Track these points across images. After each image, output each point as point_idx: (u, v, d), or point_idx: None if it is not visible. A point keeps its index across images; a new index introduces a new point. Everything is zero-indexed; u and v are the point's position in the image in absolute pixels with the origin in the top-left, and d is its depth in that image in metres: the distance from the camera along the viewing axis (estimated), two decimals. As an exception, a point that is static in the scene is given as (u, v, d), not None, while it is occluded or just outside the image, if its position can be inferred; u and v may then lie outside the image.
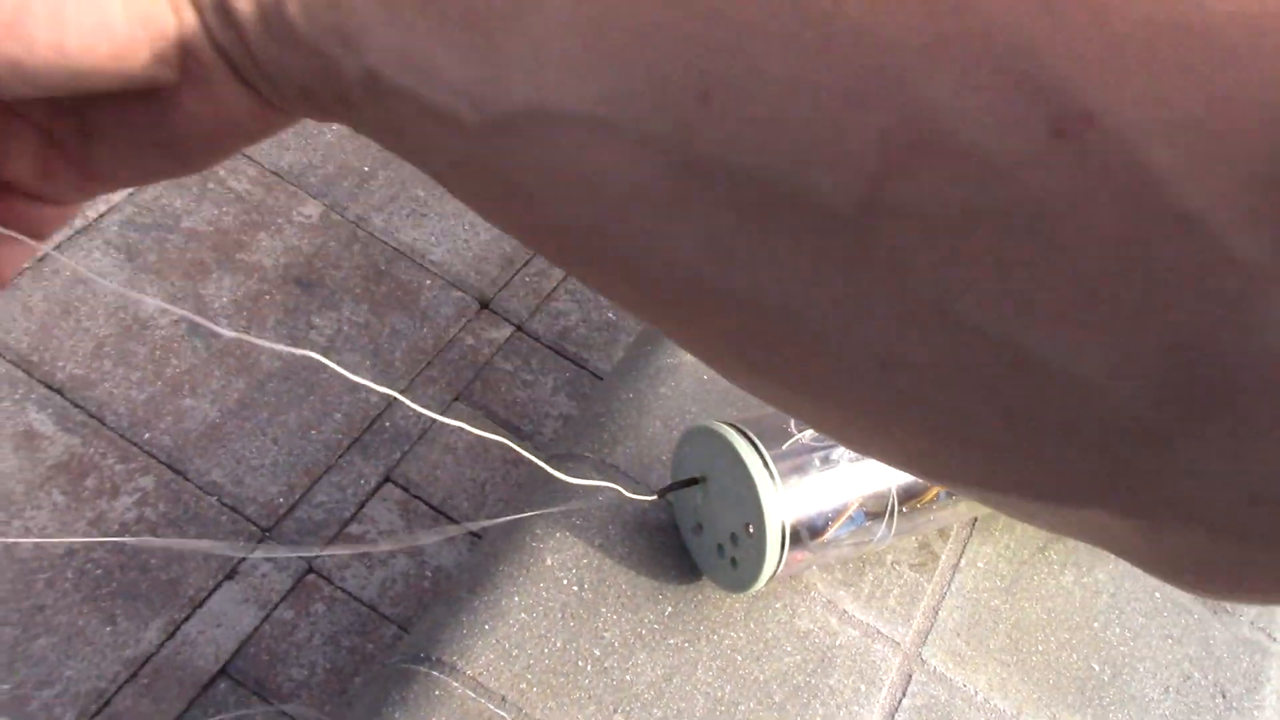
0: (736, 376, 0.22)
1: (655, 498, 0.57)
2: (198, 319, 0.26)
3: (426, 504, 1.28)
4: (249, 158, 1.51)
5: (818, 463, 0.54)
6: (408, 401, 0.32)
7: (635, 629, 0.56)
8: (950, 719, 0.58)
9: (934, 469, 0.21)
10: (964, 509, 0.60)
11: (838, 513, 0.54)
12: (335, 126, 1.58)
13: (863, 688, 0.57)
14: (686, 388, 0.66)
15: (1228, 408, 0.16)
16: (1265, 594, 0.19)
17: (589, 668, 0.54)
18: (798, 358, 0.20)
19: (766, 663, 0.57)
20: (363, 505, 1.26)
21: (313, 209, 1.50)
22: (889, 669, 0.58)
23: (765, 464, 0.52)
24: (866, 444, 0.22)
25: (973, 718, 0.58)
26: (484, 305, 1.48)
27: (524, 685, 0.53)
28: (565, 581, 0.57)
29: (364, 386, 1.33)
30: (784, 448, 0.54)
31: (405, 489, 1.29)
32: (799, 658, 0.57)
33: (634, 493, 0.57)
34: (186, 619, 1.14)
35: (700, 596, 0.58)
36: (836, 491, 0.54)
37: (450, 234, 1.53)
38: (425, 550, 1.25)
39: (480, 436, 1.34)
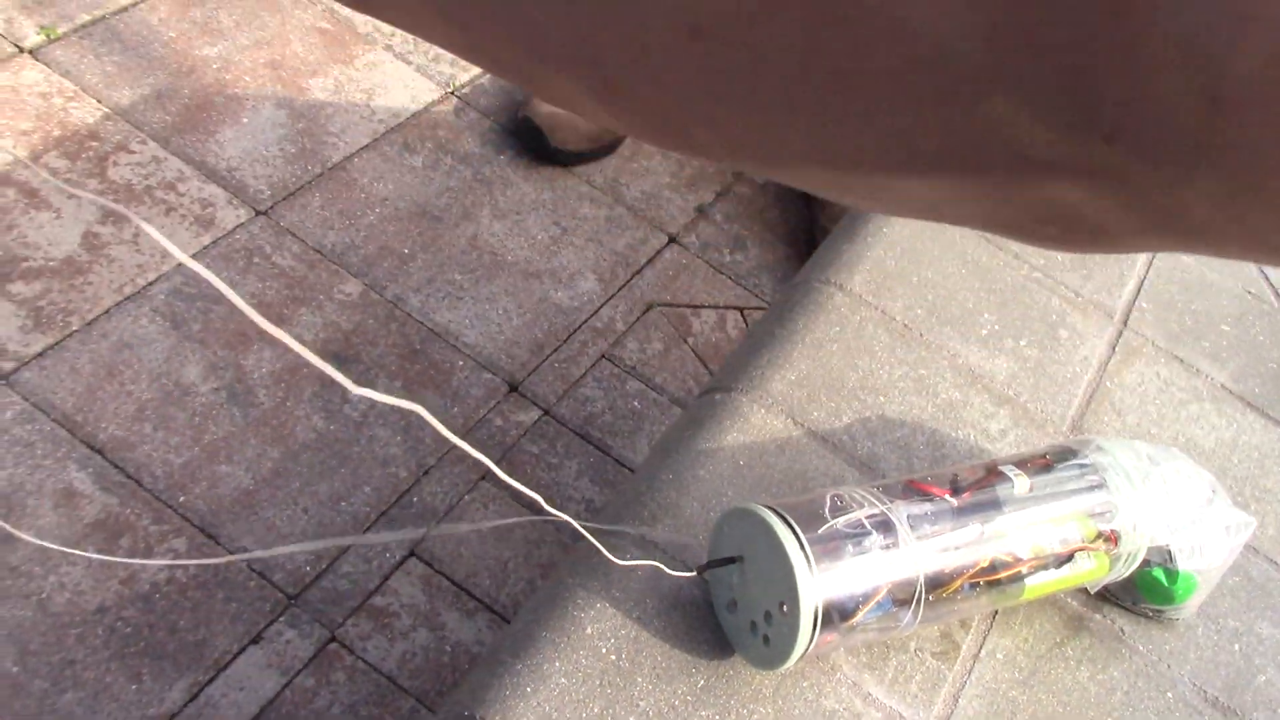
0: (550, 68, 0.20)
1: (694, 574, 0.60)
2: (332, 372, 0.29)
3: (449, 580, 1.31)
4: (294, 235, 1.56)
5: (850, 548, 0.57)
6: (501, 473, 0.35)
7: (669, 700, 0.59)
8: (967, 802, 0.60)
9: (761, 152, 0.19)
10: (985, 601, 0.62)
11: (867, 597, 0.57)
12: (378, 209, 1.64)
13: None
14: (724, 471, 0.69)
15: (1064, 43, 0.15)
16: (1125, 238, 0.18)
17: (624, 733, 0.57)
18: (600, 25, 0.18)
19: (793, 738, 0.59)
20: (386, 578, 1.29)
21: (353, 287, 1.54)
22: None
23: (802, 546, 0.55)
24: (687, 135, 0.20)
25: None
26: (513, 388, 1.52)
27: (562, 746, 0.56)
28: (604, 650, 0.59)
29: (395, 460, 1.37)
30: (819, 532, 0.57)
31: (429, 564, 1.31)
32: (824, 735, 0.60)
33: (672, 569, 0.60)
34: (210, 681, 1.16)
35: (731, 672, 0.61)
36: (867, 577, 0.57)
37: (484, 318, 1.58)
38: (446, 625, 1.27)
39: (504, 515, 1.37)
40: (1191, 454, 0.83)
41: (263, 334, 1.45)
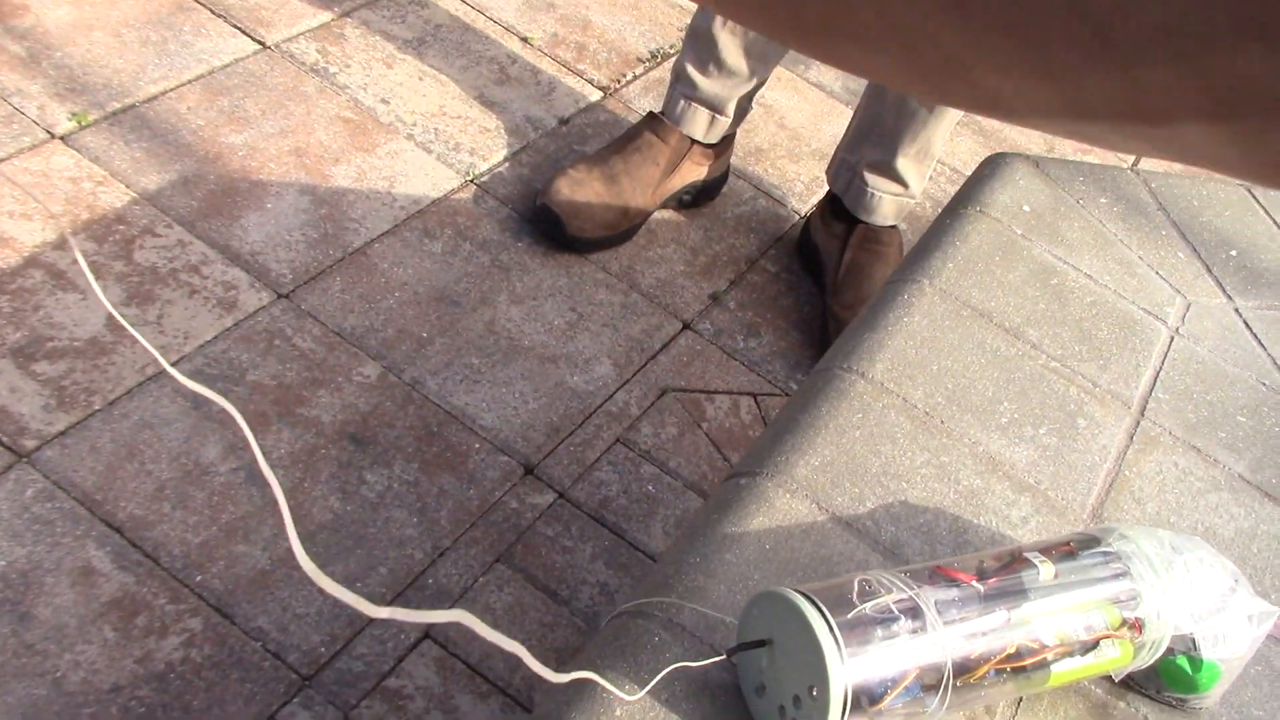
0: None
1: (723, 658, 0.60)
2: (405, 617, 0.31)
3: (464, 663, 1.30)
4: (315, 318, 1.58)
5: (879, 633, 0.57)
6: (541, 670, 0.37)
7: (698, 781, 0.59)
8: None
9: (1020, 105, 0.20)
10: (1012, 688, 0.63)
11: (895, 683, 0.57)
12: (397, 293, 1.67)
13: None
14: (749, 555, 0.70)
15: None
16: None
17: (654, 815, 0.57)
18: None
19: (821, 823, 0.59)
20: (401, 660, 1.29)
21: (371, 370, 1.56)
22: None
23: (831, 630, 0.56)
24: (952, 89, 0.21)
25: None
26: (529, 471, 1.53)
27: (593, 828, 0.56)
28: (633, 731, 0.60)
29: (411, 542, 1.37)
30: (848, 616, 0.57)
31: (444, 646, 1.31)
32: (852, 820, 0.60)
33: (700, 653, 0.61)
34: (223, 763, 1.16)
35: (759, 754, 0.61)
36: (895, 662, 0.58)
37: (501, 401, 1.59)
38: (459, 709, 1.27)
39: (518, 599, 1.37)
40: (1211, 543, 0.83)
41: (283, 414, 1.47)
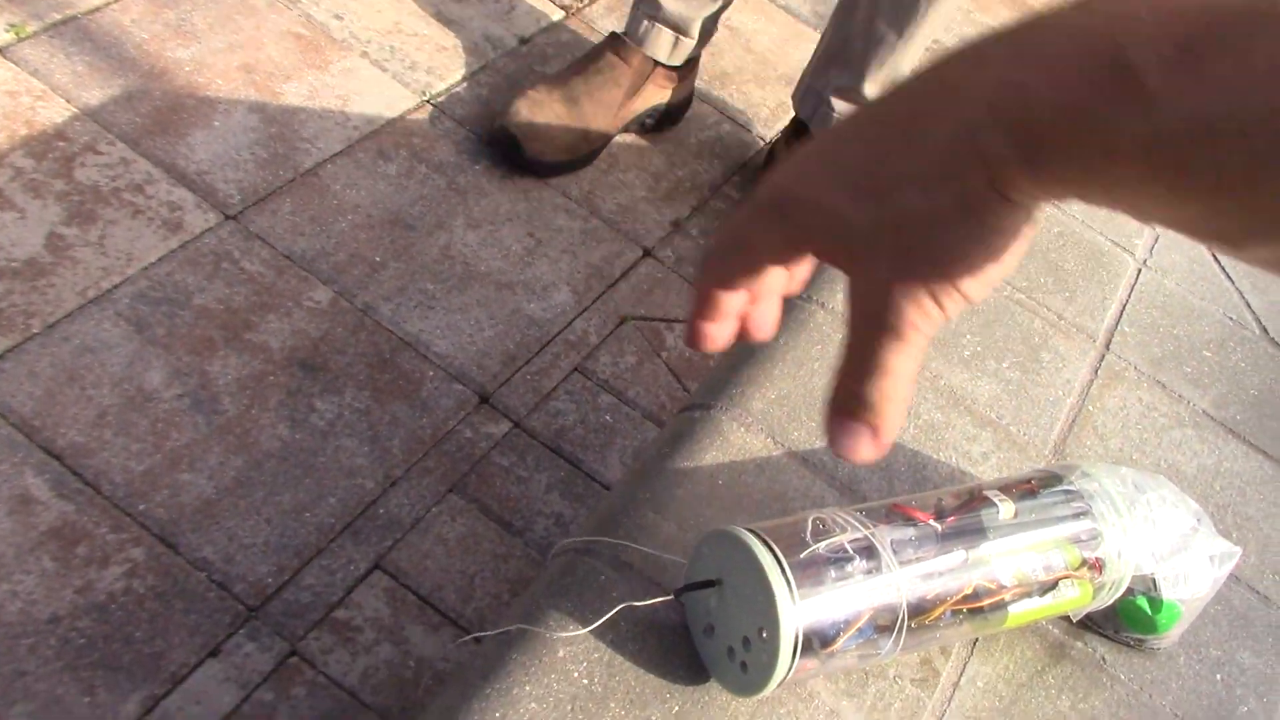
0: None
1: (670, 598, 0.58)
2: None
3: (414, 593, 1.28)
4: (264, 240, 1.53)
5: (832, 574, 0.55)
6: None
7: (642, 725, 0.57)
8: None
9: None
10: (968, 629, 0.61)
11: (848, 624, 0.55)
12: (350, 216, 1.62)
13: (862, 799, 0.58)
14: (701, 491, 0.67)
15: None
16: None
17: (596, 761, 0.55)
18: None
19: (769, 767, 0.57)
20: (350, 591, 1.26)
21: (322, 295, 1.52)
22: (888, 782, 0.59)
23: (783, 571, 0.53)
24: None
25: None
26: (484, 400, 1.50)
27: (532, 774, 0.54)
28: (575, 674, 0.57)
29: (362, 471, 1.34)
30: (801, 556, 0.55)
31: (394, 577, 1.29)
32: (801, 764, 0.58)
33: (648, 591, 0.58)
34: (166, 694, 1.13)
35: (706, 698, 0.59)
36: (848, 603, 0.55)
37: (456, 328, 1.55)
38: (410, 640, 1.25)
39: (471, 529, 1.35)
40: (1174, 480, 0.82)
41: (230, 340, 1.42)
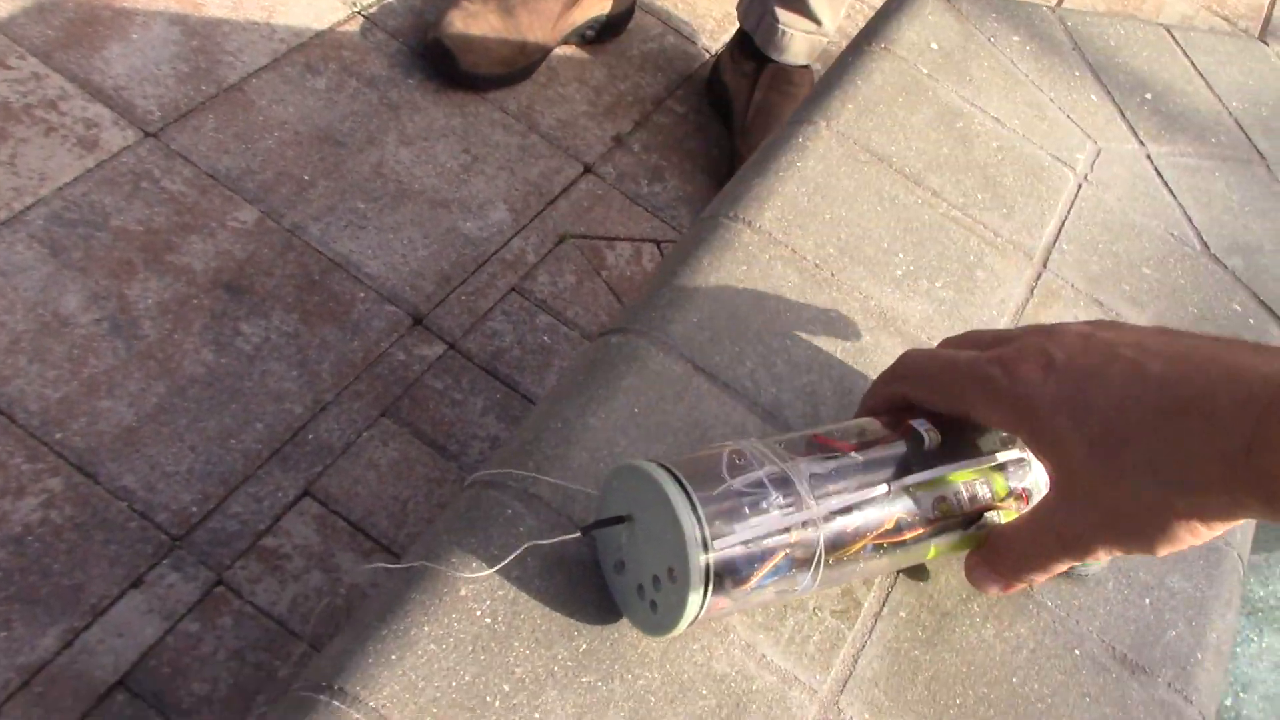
0: None
1: (578, 535, 0.55)
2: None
3: (345, 520, 1.25)
4: (186, 159, 1.48)
5: (747, 510, 0.53)
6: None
7: (548, 665, 0.54)
8: (864, 772, 0.57)
9: None
10: (888, 562, 0.59)
11: (764, 560, 0.53)
12: (277, 133, 1.56)
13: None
14: (617, 420, 0.64)
15: None
16: None
17: (497, 703, 0.53)
18: None
19: (680, 705, 0.55)
20: (279, 519, 1.23)
21: (248, 214, 1.47)
22: (805, 717, 0.57)
23: (694, 509, 0.51)
24: None
25: (887, 771, 0.57)
26: (417, 321, 1.46)
27: (428, 719, 0.51)
28: (478, 613, 0.55)
29: (290, 396, 1.31)
30: (714, 492, 0.52)
31: (324, 504, 1.26)
32: (714, 702, 0.56)
33: (556, 526, 0.56)
34: (86, 627, 1.10)
35: (616, 635, 0.56)
36: (763, 539, 0.53)
37: (387, 247, 1.51)
38: (340, 567, 1.22)
39: (404, 454, 1.32)
40: (1107, 402, 0.80)
41: (150, 262, 1.37)
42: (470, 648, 0.54)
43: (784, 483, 0.54)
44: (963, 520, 0.58)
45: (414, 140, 1.65)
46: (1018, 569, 0.56)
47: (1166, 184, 1.01)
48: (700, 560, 0.50)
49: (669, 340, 0.70)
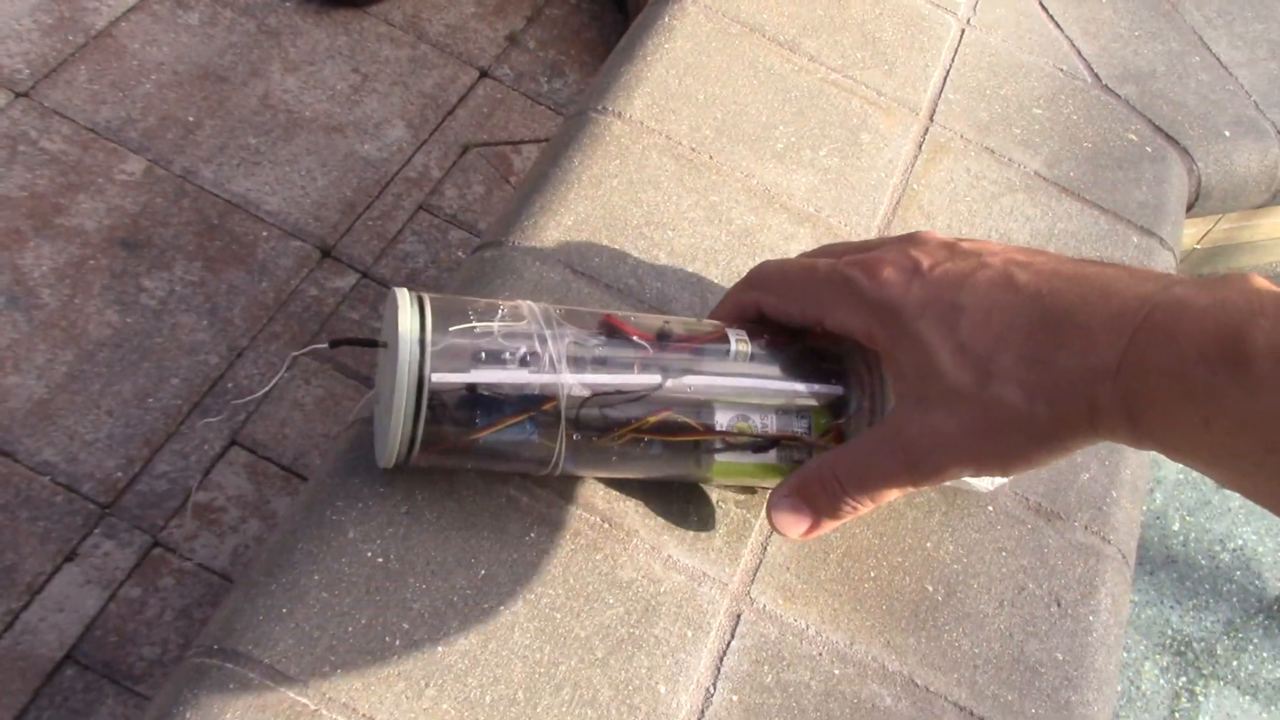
0: None
1: (327, 347, 0.53)
2: None
3: (276, 464, 1.24)
4: (62, 115, 1.42)
5: (485, 355, 0.50)
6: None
7: (446, 596, 0.53)
8: (781, 656, 0.56)
9: None
10: (664, 465, 0.55)
11: (493, 411, 0.50)
12: (154, 76, 1.50)
13: (689, 633, 0.56)
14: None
15: None
16: None
17: (397, 643, 0.52)
18: None
19: (587, 618, 0.55)
20: (208, 472, 1.21)
21: (135, 165, 1.42)
22: (716, 612, 0.57)
23: (422, 334, 0.48)
24: None
25: (805, 652, 0.57)
26: (326, 253, 1.43)
27: (326, 668, 0.50)
28: (369, 554, 0.54)
29: (204, 346, 1.28)
30: (453, 329, 0.49)
31: (253, 451, 1.24)
32: (621, 610, 0.55)
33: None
34: (25, 607, 1.09)
35: (515, 556, 0.55)
36: (499, 390, 0.50)
37: (286, 181, 1.47)
38: (278, 512, 1.21)
39: (329, 390, 1.30)
40: (1004, 251, 0.79)
41: (40, 228, 1.33)
42: (364, 590, 0.53)
43: (538, 342, 0.51)
44: (752, 444, 0.55)
45: (299, 66, 1.59)
46: (843, 493, 0.49)
47: (1052, 17, 0.99)
48: (413, 386, 0.48)
49: (544, 247, 0.67)
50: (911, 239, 0.51)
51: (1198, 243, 1.13)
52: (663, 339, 0.54)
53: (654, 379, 0.52)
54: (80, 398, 1.22)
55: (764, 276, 0.55)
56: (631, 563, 0.57)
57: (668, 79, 0.79)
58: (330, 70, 1.60)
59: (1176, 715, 1.23)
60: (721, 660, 0.55)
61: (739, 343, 0.54)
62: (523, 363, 0.50)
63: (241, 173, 1.45)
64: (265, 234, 1.41)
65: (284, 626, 0.51)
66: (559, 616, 0.54)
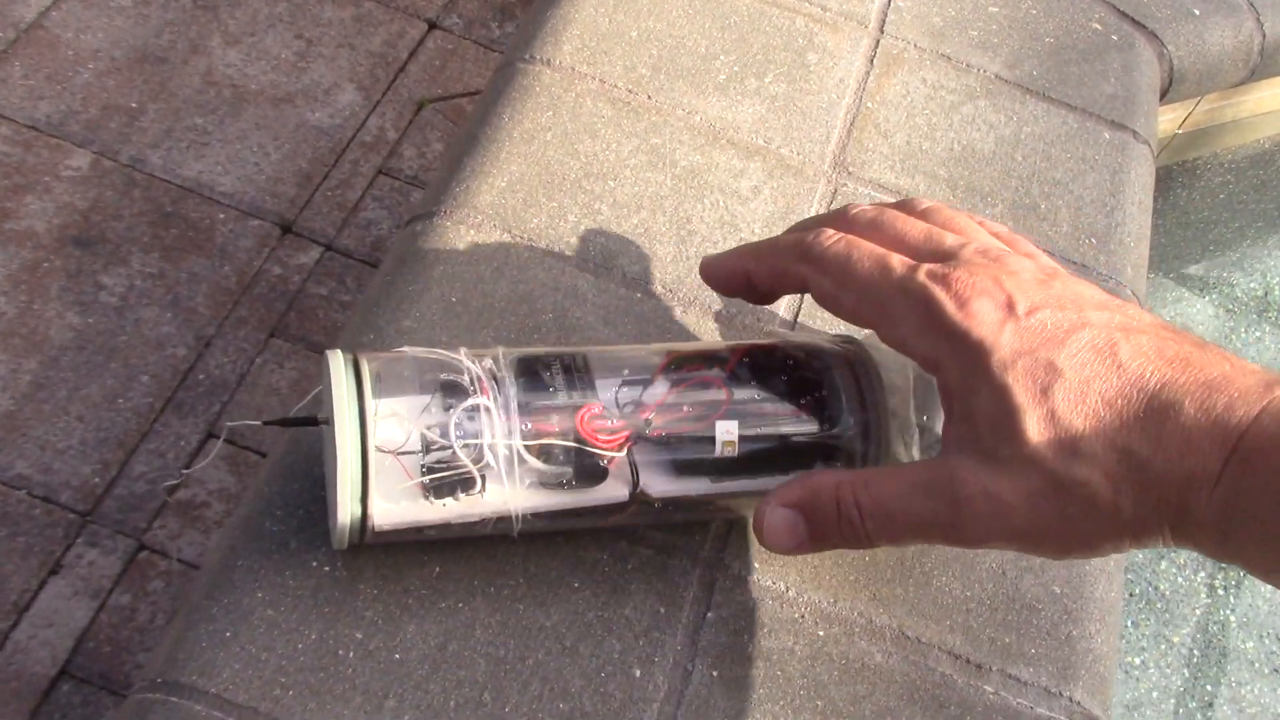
0: None
1: (259, 424, 0.50)
2: None
3: (257, 453, 1.21)
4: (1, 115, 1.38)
5: (456, 464, 0.45)
6: None
7: (400, 600, 0.51)
8: (762, 623, 0.54)
9: None
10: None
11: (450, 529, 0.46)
12: (91, 64, 1.45)
13: (662, 610, 0.53)
14: (433, 315, 0.59)
15: None
16: None
17: (351, 654, 0.49)
18: None
19: (553, 606, 0.52)
20: (187, 469, 1.19)
21: (80, 159, 1.38)
22: (689, 584, 0.54)
23: (359, 405, 0.44)
24: None
25: (787, 615, 0.54)
26: (286, 230, 1.39)
27: (278, 691, 0.47)
28: (314, 564, 0.51)
29: (170, 339, 1.24)
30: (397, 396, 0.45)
31: (231, 442, 1.21)
32: (588, 593, 0.52)
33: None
34: (13, 626, 1.07)
35: (470, 549, 0.52)
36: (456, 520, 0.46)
37: (238, 159, 1.42)
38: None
39: (304, 371, 1.26)
40: (971, 161, 0.75)
41: (-11, 234, 1.29)
42: (311, 602, 0.50)
43: (488, 452, 0.46)
44: None
45: (240, 38, 1.54)
46: (861, 526, 0.44)
47: (1001, -91, 0.94)
48: (351, 497, 0.44)
49: (478, 214, 0.64)
50: (1000, 261, 0.45)
51: (1179, 128, 1.09)
52: (636, 436, 0.47)
53: (620, 493, 0.48)
54: (48, 406, 1.19)
55: (825, 255, 0.47)
56: (595, 541, 0.54)
57: (597, 18, 0.75)
58: (272, 39, 1.55)
59: (1198, 613, 1.21)
60: (698, 634, 0.53)
61: (726, 443, 0.48)
62: (473, 470, 0.45)
63: (191, 155, 1.41)
64: (222, 216, 1.37)
65: (229, 651, 0.48)
66: (522, 608, 0.52)
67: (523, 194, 0.65)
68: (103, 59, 1.46)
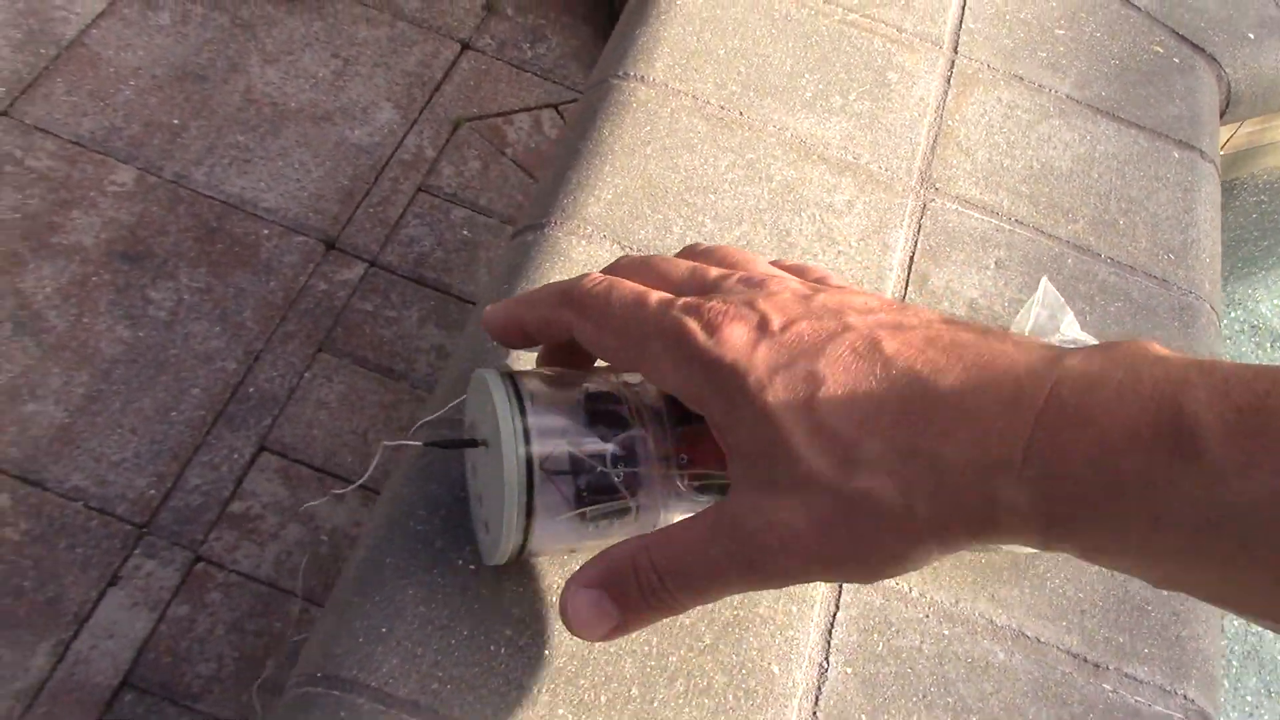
0: None
1: (420, 445, 0.51)
2: None
3: (309, 466, 1.22)
4: (45, 131, 1.39)
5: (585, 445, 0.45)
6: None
7: (544, 598, 0.52)
8: (889, 622, 0.55)
9: None
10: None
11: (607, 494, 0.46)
12: (133, 82, 1.47)
13: (794, 609, 0.54)
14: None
15: None
16: None
17: (503, 650, 0.50)
18: None
19: (689, 605, 0.53)
20: (240, 481, 1.20)
21: (125, 175, 1.39)
22: (817, 584, 0.55)
23: (524, 428, 0.44)
24: None
25: (911, 615, 0.55)
26: (330, 246, 1.40)
27: (435, 685, 0.49)
28: (460, 562, 0.52)
29: (220, 353, 1.26)
30: (556, 419, 0.45)
31: (283, 455, 1.22)
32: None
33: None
34: (74, 637, 1.07)
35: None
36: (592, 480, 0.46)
37: (280, 176, 1.44)
38: (316, 515, 1.19)
39: (351, 385, 1.28)
40: (1050, 179, 0.77)
41: (38, 249, 1.30)
42: (460, 600, 0.51)
43: (643, 484, 0.47)
44: None
45: (278, 57, 1.56)
46: (662, 589, 0.40)
47: (1060, -66, 0.96)
48: (518, 518, 0.44)
49: (587, 225, 0.65)
50: (762, 284, 0.42)
51: (1221, 149, 1.11)
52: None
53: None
54: (101, 418, 1.20)
55: (585, 298, 0.44)
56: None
57: (685, 37, 0.77)
58: (310, 58, 1.57)
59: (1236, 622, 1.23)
60: (830, 633, 0.54)
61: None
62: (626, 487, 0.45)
63: (234, 172, 1.42)
64: (266, 232, 1.38)
65: (386, 646, 0.49)
66: (661, 606, 0.53)
67: (628, 206, 0.67)
68: (143, 76, 1.48)
